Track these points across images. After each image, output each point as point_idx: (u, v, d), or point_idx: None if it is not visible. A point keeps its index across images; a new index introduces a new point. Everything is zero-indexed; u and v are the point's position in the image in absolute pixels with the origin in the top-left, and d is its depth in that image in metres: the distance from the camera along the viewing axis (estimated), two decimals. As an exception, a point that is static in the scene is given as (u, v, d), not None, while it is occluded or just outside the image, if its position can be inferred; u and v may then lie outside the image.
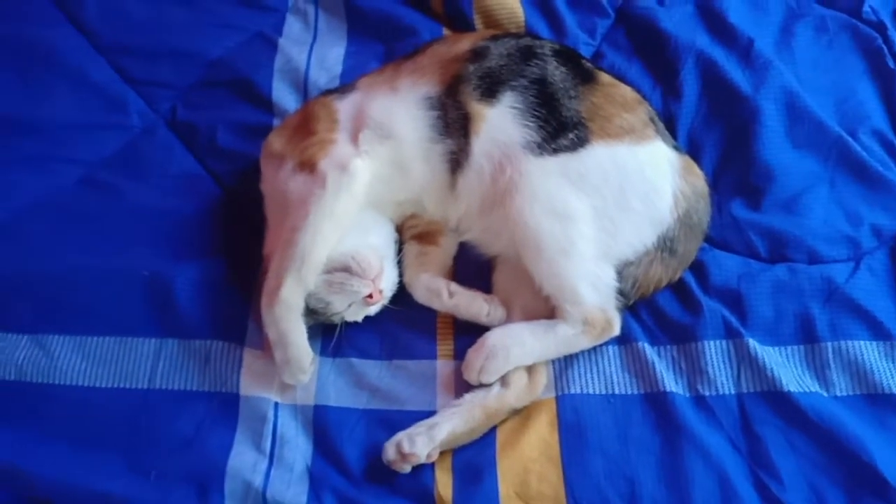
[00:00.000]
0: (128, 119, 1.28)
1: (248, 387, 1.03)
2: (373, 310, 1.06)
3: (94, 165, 1.24)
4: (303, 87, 1.28)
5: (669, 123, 1.19)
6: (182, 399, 1.02)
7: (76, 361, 1.05)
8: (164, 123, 1.28)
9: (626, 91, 1.11)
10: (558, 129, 1.04)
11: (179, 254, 1.13)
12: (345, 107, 1.08)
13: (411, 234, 1.13)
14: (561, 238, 1.01)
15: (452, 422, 0.96)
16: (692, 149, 1.17)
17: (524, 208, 1.01)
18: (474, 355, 1.02)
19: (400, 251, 1.10)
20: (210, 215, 1.17)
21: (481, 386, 1.02)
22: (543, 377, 1.03)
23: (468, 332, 1.05)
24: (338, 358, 1.06)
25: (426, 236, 1.12)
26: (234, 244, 1.13)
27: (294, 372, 1.01)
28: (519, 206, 1.01)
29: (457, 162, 1.05)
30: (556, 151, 1.03)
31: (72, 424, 1.00)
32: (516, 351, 1.01)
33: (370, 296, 1.02)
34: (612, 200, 1.02)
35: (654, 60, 1.27)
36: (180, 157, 1.24)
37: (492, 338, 1.02)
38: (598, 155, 1.03)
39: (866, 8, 1.31)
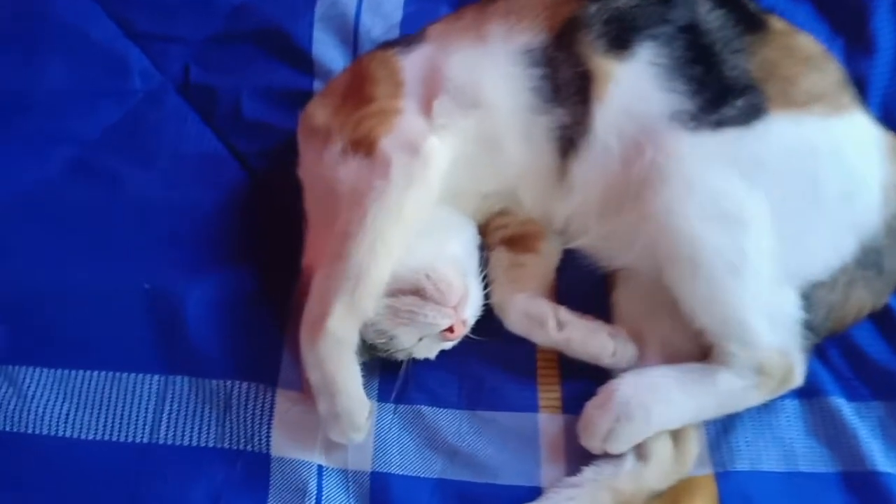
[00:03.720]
0: (127, 82, 1.02)
1: (282, 445, 0.78)
2: (451, 344, 0.78)
3: (84, 145, 0.98)
4: (352, 39, 1.02)
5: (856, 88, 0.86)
6: (194, 458, 0.78)
7: (56, 403, 0.81)
8: (173, 87, 1.02)
9: (809, 42, 0.80)
10: (720, 94, 0.74)
11: (192, 262, 0.88)
12: (412, 64, 0.81)
13: (499, 237, 0.85)
14: (728, 250, 0.71)
15: (569, 511, 0.70)
16: (890, 124, 0.84)
17: (674, 207, 0.72)
18: (598, 414, 0.73)
19: (484, 260, 0.82)
20: (232, 210, 0.92)
21: (607, 456, 0.74)
22: (695, 446, 0.75)
23: (580, 374, 0.79)
24: (403, 405, 0.81)
25: (520, 241, 0.84)
26: (265, 250, 0.88)
27: (344, 428, 0.74)
28: (666, 203, 0.72)
29: (570, 140, 0.77)
30: (718, 125, 0.73)
31: (47, 489, 0.78)
32: (659, 410, 0.73)
33: (450, 329, 0.74)
34: (800, 196, 0.73)
35: (832, 1, 0.96)
36: (194, 133, 0.98)
37: (623, 389, 0.74)
38: (780, 131, 0.73)
39: None
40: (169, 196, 0.92)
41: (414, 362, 0.80)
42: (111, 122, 0.98)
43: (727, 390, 0.73)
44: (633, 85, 0.75)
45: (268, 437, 0.78)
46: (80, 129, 0.98)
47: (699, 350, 0.75)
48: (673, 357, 0.77)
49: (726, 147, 0.72)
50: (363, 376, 0.75)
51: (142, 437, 0.79)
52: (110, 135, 0.97)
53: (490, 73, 0.77)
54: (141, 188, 0.93)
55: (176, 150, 0.96)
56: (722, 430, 0.76)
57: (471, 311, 0.77)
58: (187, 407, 0.81)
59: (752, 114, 0.73)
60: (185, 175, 0.94)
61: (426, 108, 0.77)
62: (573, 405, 0.77)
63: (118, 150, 0.96)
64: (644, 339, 0.79)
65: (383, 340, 0.75)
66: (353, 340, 0.73)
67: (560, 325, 0.78)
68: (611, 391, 0.74)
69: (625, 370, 0.76)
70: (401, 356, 0.78)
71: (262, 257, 0.88)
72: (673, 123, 0.73)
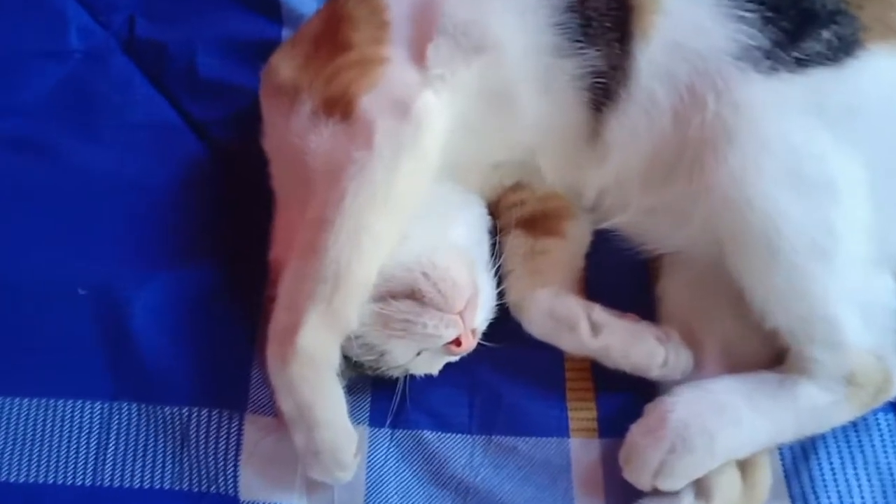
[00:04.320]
0: (63, 41, 0.86)
1: (254, 485, 0.64)
2: (457, 357, 0.63)
3: (11, 114, 0.82)
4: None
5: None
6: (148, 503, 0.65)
7: (-29, 439, 0.68)
8: (117, 45, 0.87)
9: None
10: (801, 23, 0.59)
11: (139, 256, 0.73)
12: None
13: (515, 217, 0.70)
14: (813, 228, 0.57)
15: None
16: None
17: (743, 173, 0.57)
18: (648, 442, 0.59)
19: (496, 248, 0.67)
20: (188, 191, 0.77)
21: (657, 493, 0.60)
22: (767, 476, 0.62)
23: (620, 386, 0.66)
24: (401, 430, 0.67)
25: (540, 222, 0.70)
26: (228, 239, 0.73)
27: (327, 466, 0.60)
28: (733, 168, 0.57)
29: (604, 90, 0.61)
30: (799, 65, 0.58)
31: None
32: (726, 436, 0.59)
33: (456, 341, 0.59)
34: None
35: None
36: (142, 97, 0.83)
37: (678, 411, 0.59)
38: (879, 70, 0.58)
39: None
40: (111, 175, 0.77)
41: (412, 377, 0.65)
42: (44, 88, 0.83)
43: (809, 406, 0.59)
44: (687, 14, 0.59)
45: (235, 475, 0.64)
46: (8, 97, 0.82)
47: (769, 355, 0.62)
48: (736, 365, 0.63)
49: (810, 93, 0.57)
50: (348, 397, 0.61)
51: (82, 480, 0.65)
52: (43, 102, 0.82)
53: (498, 6, 0.61)
54: (79, 165, 0.77)
55: (121, 120, 0.81)
56: (801, 454, 0.64)
57: (482, 316, 0.62)
58: (136, 440, 0.66)
59: (844, 48, 0.58)
60: (131, 149, 0.79)
61: (418, 56, 0.61)
62: (612, 426, 0.64)
63: (52, 121, 0.80)
64: (699, 342, 0.65)
65: (372, 357, 0.60)
66: (332, 359, 0.58)
67: (595, 329, 0.64)
68: (663, 413, 0.59)
69: (677, 383, 0.62)
70: (395, 373, 0.63)
71: (226, 248, 0.73)
72: (741, 64, 0.58)
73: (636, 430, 0.60)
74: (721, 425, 0.58)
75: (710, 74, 0.58)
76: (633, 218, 0.65)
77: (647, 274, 0.69)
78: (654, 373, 0.62)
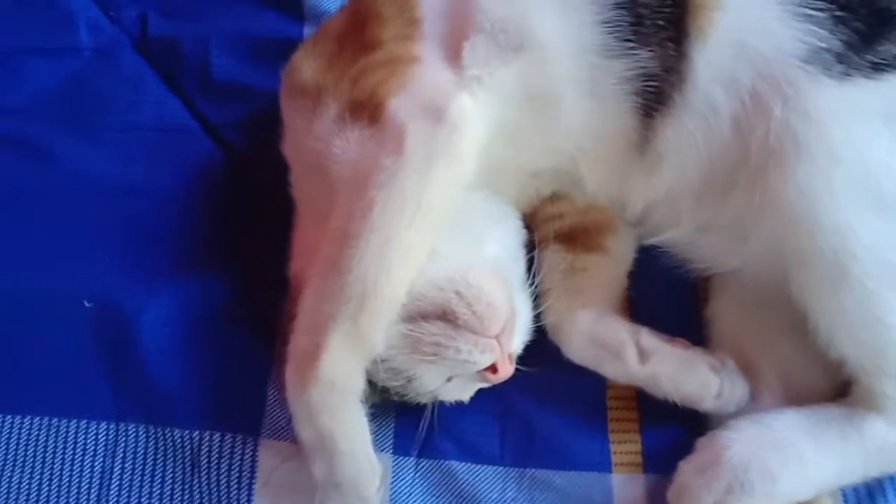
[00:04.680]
0: (72, 38, 0.81)
1: None
2: (492, 384, 0.57)
3: (16, 114, 0.77)
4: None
5: None
6: (154, 533, 0.61)
7: (-30, 460, 0.63)
8: (129, 42, 0.81)
9: None
10: (877, 23, 0.53)
11: (148, 268, 0.68)
12: None
13: (553, 231, 0.65)
14: (891, 250, 0.52)
15: None
16: None
17: (813, 188, 0.52)
18: (701, 482, 0.54)
19: (533, 264, 0.62)
20: (201, 198, 0.72)
21: None
22: None
23: (667, 418, 0.60)
24: (427, 460, 0.62)
25: (581, 236, 0.65)
26: (244, 251, 0.69)
27: (348, 499, 0.55)
28: (801, 182, 0.52)
29: (657, 94, 0.56)
30: (876, 70, 0.53)
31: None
32: (789, 476, 0.54)
33: (492, 368, 0.53)
34: None
35: None
36: (154, 97, 0.78)
37: (736, 448, 0.54)
38: None
39: None
40: (118, 179, 0.72)
41: (441, 403, 0.60)
42: (48, 87, 0.77)
43: (878, 445, 0.54)
44: (748, 11, 0.54)
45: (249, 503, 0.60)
46: (9, 96, 0.77)
47: (832, 387, 0.58)
48: (796, 397, 0.59)
49: (888, 101, 0.52)
50: (372, 423, 0.56)
51: None
52: (46, 102, 0.77)
53: (541, 2, 0.56)
54: (83, 169, 0.72)
55: (129, 121, 0.76)
56: (866, 496, 0.58)
57: (519, 339, 0.57)
58: (144, 464, 0.62)
59: (928, 51, 0.52)
60: (140, 151, 0.74)
61: (453, 55, 0.56)
62: (659, 462, 0.59)
63: (55, 122, 0.75)
64: (755, 371, 0.60)
65: (399, 383, 0.55)
66: (355, 385, 0.53)
67: (643, 356, 0.58)
68: (718, 449, 0.54)
69: (730, 416, 0.57)
70: (424, 399, 0.57)
71: (241, 260, 0.68)
72: (810, 68, 0.52)
73: (688, 468, 0.55)
74: (783, 465, 0.53)
75: (775, 79, 0.52)
76: (684, 234, 0.60)
77: (695, 295, 0.64)
78: (708, 404, 0.57)
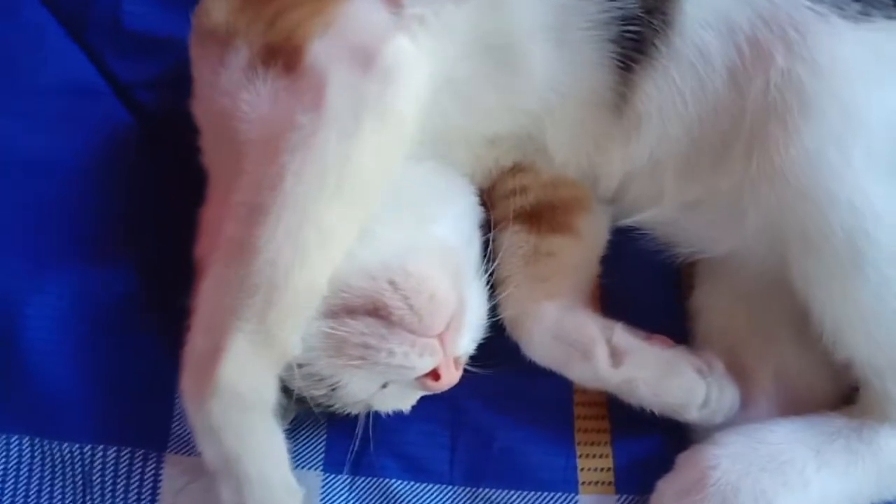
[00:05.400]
0: None
1: None
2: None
3: None
4: None
5: None
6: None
7: None
8: None
9: None
10: None
11: (37, 254, 0.59)
12: None
13: (514, 208, 0.58)
14: None
15: None
16: None
17: (822, 153, 0.44)
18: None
19: (489, 248, 0.54)
20: (104, 170, 0.63)
21: None
22: None
23: (643, 426, 0.53)
24: (363, 478, 0.55)
25: (547, 215, 0.57)
26: (152, 232, 0.60)
27: None
28: (808, 146, 0.44)
29: (637, 42, 0.48)
30: None
31: None
32: (788, 497, 0.47)
33: (434, 374, 0.45)
34: None
35: None
36: (55, 53, 0.68)
37: (724, 466, 0.47)
38: None
39: None
40: (13, 150, 0.62)
41: (377, 412, 0.51)
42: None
43: (893, 462, 0.47)
44: None
45: None
46: None
47: (836, 392, 0.52)
48: (794, 404, 0.52)
49: None
50: (296, 435, 0.51)
51: None
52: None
53: None
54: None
55: (31, 82, 0.66)
56: None
57: (468, 338, 0.49)
58: (28, 483, 0.54)
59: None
60: (39, 119, 0.64)
61: None
62: (633, 480, 0.53)
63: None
64: (747, 374, 0.53)
65: (321, 392, 0.46)
66: (265, 396, 0.44)
67: (616, 356, 0.51)
68: (702, 469, 0.47)
69: (718, 427, 0.50)
70: (354, 410, 0.49)
71: (147, 245, 0.59)
72: (820, 8, 0.45)
73: (667, 489, 0.48)
74: (779, 486, 0.46)
75: (778, 21, 0.45)
76: (667, 212, 0.53)
77: (679, 285, 0.58)
78: (692, 414, 0.49)
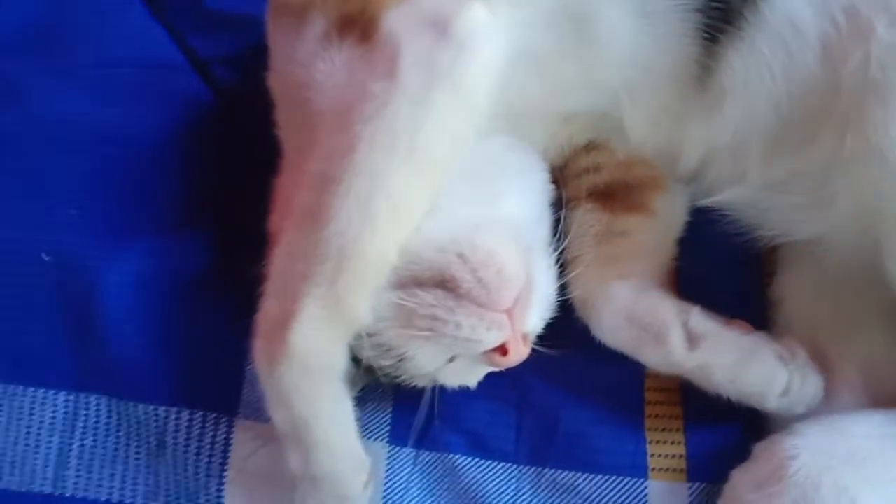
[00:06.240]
0: None
1: None
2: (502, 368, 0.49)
3: None
4: None
5: None
6: (115, 520, 0.54)
7: None
8: None
9: None
10: None
11: (115, 223, 0.60)
12: None
13: (587, 187, 0.56)
14: None
15: None
16: None
17: None
18: (756, 498, 0.45)
19: (560, 226, 0.53)
20: (181, 143, 0.64)
21: None
22: None
23: (717, 416, 0.51)
24: (427, 452, 0.55)
25: (621, 194, 0.56)
26: (226, 206, 0.61)
27: (327, 498, 0.47)
28: None
29: (723, 11, 0.46)
30: None
31: None
32: (871, 494, 0.44)
33: (502, 349, 0.45)
34: None
35: None
36: (137, 30, 0.70)
37: (803, 458, 0.45)
38: None
39: None
40: (93, 121, 0.63)
41: (444, 388, 0.51)
42: (19, 19, 0.70)
43: None
44: None
45: (219, 492, 0.53)
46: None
47: None
48: (881, 396, 0.49)
49: None
50: (364, 406, 0.51)
51: (41, 486, 0.55)
52: (16, 35, 0.69)
53: None
54: (55, 109, 0.64)
55: (108, 56, 0.68)
56: None
57: (537, 316, 0.48)
58: (105, 441, 0.56)
59: None
60: (118, 91, 0.65)
61: None
62: (706, 468, 0.51)
63: (26, 54, 0.68)
64: (831, 363, 0.50)
65: (389, 362, 0.46)
66: (334, 363, 0.44)
67: (692, 340, 0.49)
68: (780, 459, 0.45)
69: (799, 417, 0.48)
70: (421, 383, 0.49)
71: (222, 216, 0.60)
72: None
73: (742, 480, 0.46)
74: (863, 482, 0.44)
75: None
76: (750, 193, 0.50)
77: (760, 270, 0.55)
78: (771, 403, 0.47)
